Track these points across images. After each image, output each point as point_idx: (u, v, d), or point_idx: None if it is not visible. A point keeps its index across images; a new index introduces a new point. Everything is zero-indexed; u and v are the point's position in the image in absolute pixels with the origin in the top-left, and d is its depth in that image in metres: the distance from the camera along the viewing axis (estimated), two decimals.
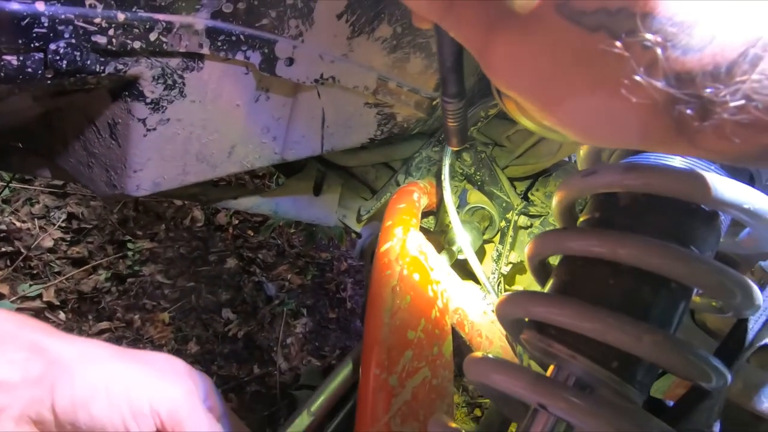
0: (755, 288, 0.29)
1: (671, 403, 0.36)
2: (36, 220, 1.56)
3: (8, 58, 0.40)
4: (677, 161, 0.33)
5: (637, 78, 0.19)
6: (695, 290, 0.33)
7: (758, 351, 0.51)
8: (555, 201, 0.37)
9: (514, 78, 0.23)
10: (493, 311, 0.64)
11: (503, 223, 0.86)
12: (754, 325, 0.33)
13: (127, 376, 0.36)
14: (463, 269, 0.79)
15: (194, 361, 1.47)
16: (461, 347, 0.61)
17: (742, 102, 0.17)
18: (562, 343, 0.31)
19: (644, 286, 0.30)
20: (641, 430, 0.28)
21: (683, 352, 0.28)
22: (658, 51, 0.18)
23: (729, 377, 0.29)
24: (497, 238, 0.87)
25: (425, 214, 0.89)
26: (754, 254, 0.40)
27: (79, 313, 1.45)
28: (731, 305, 0.30)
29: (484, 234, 0.87)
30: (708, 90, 0.18)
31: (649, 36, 0.18)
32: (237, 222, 1.86)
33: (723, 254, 0.41)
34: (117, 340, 1.40)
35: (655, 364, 0.30)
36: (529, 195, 0.88)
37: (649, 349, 0.27)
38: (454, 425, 0.34)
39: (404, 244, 0.56)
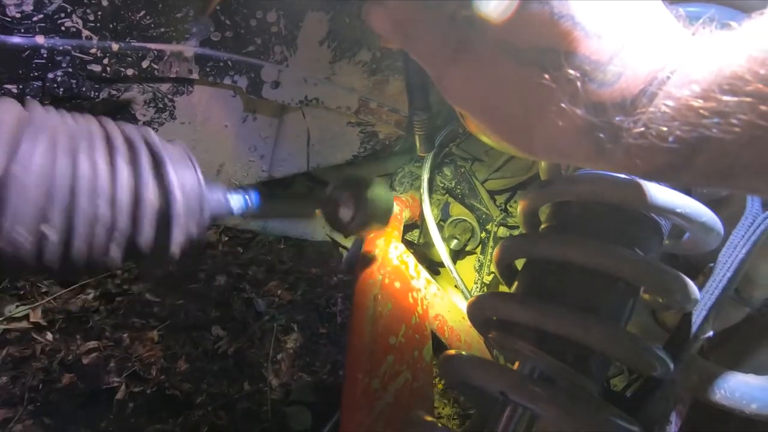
0: (690, 283, 0.33)
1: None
2: None
3: (8, 86, 0.43)
4: None
5: (563, 106, 0.22)
6: (642, 288, 0.36)
7: (718, 349, 0.55)
8: (519, 210, 0.40)
9: (464, 101, 0.27)
10: None
11: (484, 234, 0.89)
12: (696, 319, 0.36)
13: None
14: (446, 278, 0.82)
15: (183, 379, 1.47)
16: None
17: (642, 129, 0.21)
18: (525, 340, 0.34)
19: (594, 284, 0.34)
20: (595, 415, 0.31)
21: (627, 342, 0.31)
22: (578, 84, 0.22)
23: (671, 365, 0.32)
24: (479, 249, 0.91)
25: (409, 227, 0.92)
26: (706, 257, 0.44)
27: (66, 333, 1.44)
28: (673, 300, 0.34)
29: (466, 246, 0.90)
30: (617, 118, 0.21)
31: (571, 71, 0.22)
32: (226, 239, 1.87)
33: (683, 258, 0.45)
34: (105, 359, 1.40)
35: (603, 354, 0.33)
36: (508, 207, 0.92)
37: (597, 339, 0.30)
38: (429, 419, 0.36)
39: (386, 254, 0.59)
